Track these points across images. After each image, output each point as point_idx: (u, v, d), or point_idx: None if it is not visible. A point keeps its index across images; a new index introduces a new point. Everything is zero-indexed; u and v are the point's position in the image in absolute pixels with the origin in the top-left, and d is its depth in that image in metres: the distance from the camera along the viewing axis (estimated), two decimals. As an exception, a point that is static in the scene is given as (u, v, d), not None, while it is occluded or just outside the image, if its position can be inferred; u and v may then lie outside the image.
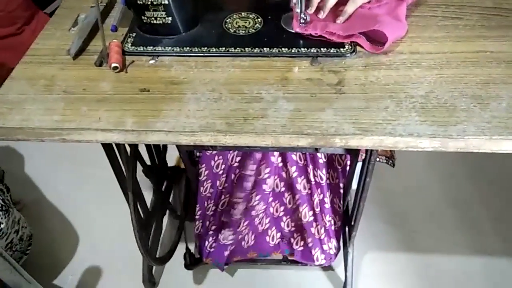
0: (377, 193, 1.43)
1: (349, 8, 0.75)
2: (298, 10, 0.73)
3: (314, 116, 0.61)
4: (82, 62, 0.73)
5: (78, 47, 0.74)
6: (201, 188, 1.19)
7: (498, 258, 1.27)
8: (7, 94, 0.68)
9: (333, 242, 1.12)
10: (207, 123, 0.61)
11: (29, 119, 0.63)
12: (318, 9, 0.75)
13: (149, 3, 0.72)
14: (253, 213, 1.16)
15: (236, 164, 1.11)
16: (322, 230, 1.09)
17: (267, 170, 1.11)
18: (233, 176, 1.16)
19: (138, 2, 0.73)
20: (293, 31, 0.74)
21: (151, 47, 0.74)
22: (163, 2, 0.72)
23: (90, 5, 0.84)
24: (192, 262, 1.20)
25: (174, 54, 0.73)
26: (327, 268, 1.26)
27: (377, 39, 0.70)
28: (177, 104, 0.64)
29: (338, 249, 1.14)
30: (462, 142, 0.57)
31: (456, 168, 1.52)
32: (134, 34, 0.77)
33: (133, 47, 0.75)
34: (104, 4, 0.83)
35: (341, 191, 1.12)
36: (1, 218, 1.08)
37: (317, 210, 1.08)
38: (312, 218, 1.10)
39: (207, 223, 1.19)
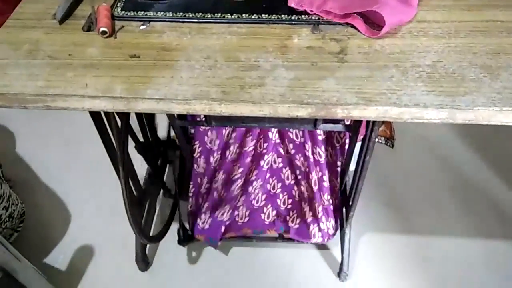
0: (376, 175, 1.41)
1: None
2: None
3: (315, 85, 0.58)
4: (69, 27, 0.69)
5: (65, 11, 0.69)
6: (195, 165, 1.16)
7: (497, 241, 1.26)
8: (-12, 58, 0.63)
9: (331, 221, 1.10)
10: (201, 91, 0.58)
11: (11, 85, 0.59)
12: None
13: (140, -36, 0.68)
14: (250, 189, 1.13)
15: (231, 140, 1.08)
16: (320, 208, 1.07)
17: (265, 145, 1.09)
18: (228, 152, 1.13)
19: (129, -37, 0.68)
20: (290, 5, 0.69)
21: (142, 12, 0.70)
22: (155, -37, 0.68)
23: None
24: (186, 238, 1.18)
25: (167, 19, 0.69)
26: (324, 247, 1.24)
27: (376, 22, 0.65)
28: (169, 71, 0.61)
29: (335, 229, 1.12)
30: (471, 114, 0.54)
31: (455, 150, 1.49)
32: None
33: (123, 11, 0.70)
34: (93, -33, 0.78)
35: (339, 169, 1.09)
36: (-12, 193, 1.05)
37: (315, 188, 1.06)
38: (310, 195, 1.07)
39: (201, 200, 1.16)
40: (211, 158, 1.15)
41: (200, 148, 1.12)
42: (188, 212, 1.17)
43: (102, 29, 0.65)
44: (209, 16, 0.69)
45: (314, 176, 1.05)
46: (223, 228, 1.10)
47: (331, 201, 1.09)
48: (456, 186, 1.39)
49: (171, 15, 0.69)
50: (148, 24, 0.69)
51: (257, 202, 1.15)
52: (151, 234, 1.25)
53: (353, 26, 0.65)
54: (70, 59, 0.63)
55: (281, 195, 1.13)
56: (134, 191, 1.08)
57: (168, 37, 0.66)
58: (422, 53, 0.61)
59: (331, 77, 0.59)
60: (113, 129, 0.89)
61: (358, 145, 1.00)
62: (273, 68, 0.60)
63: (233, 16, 0.69)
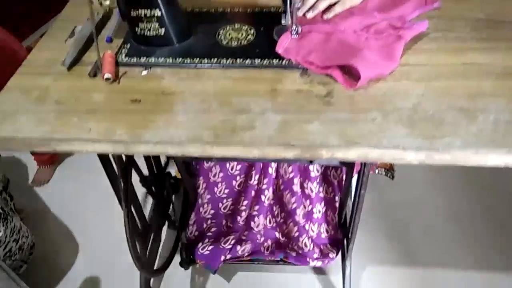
0: (377, 205, 1.42)
1: (337, 8, 0.79)
2: (290, 22, 0.73)
3: (301, 128, 0.62)
4: (76, 73, 0.74)
5: (73, 58, 0.75)
6: (199, 200, 1.19)
7: (500, 273, 1.25)
8: (1, 104, 0.69)
9: (326, 247, 1.12)
10: (195, 134, 0.62)
11: (21, 129, 0.64)
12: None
13: (143, 15, 0.73)
14: (252, 224, 1.16)
15: (237, 172, 1.12)
16: (310, 241, 1.09)
17: (265, 180, 1.12)
18: (234, 182, 1.16)
19: (132, 14, 0.74)
20: (278, 51, 0.72)
21: (144, 58, 0.75)
22: (156, 14, 0.73)
23: (87, 17, 0.85)
24: (188, 260, 1.20)
25: (167, 65, 0.74)
26: (324, 274, 1.25)
27: (356, 74, 0.66)
28: (166, 115, 0.65)
29: (335, 252, 1.13)
30: (448, 156, 0.57)
31: (456, 180, 1.50)
32: (128, 45, 0.78)
33: (127, 58, 0.76)
34: (101, 16, 0.85)
35: (337, 204, 1.11)
36: (0, 227, 1.09)
37: (302, 221, 1.08)
38: (298, 232, 1.10)
39: (205, 225, 1.19)
40: (215, 189, 1.19)
41: (204, 184, 1.16)
42: (187, 238, 1.19)
43: (106, 75, 0.70)
44: (206, 61, 0.74)
45: (301, 211, 1.07)
46: (222, 258, 1.12)
47: (324, 233, 1.11)
48: (458, 216, 1.39)
49: (170, 61, 0.75)
50: (149, 70, 0.74)
51: (258, 239, 1.17)
52: (156, 265, 1.28)
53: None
54: (76, 104, 0.68)
55: (278, 229, 1.16)
56: (138, 223, 1.12)
57: (167, 82, 0.71)
58: (403, 95, 0.65)
59: (317, 120, 0.62)
60: (116, 163, 0.93)
61: (355, 179, 1.02)
62: (262, 112, 0.64)
63: (228, 61, 0.74)
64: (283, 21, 0.74)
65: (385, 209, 1.43)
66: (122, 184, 0.93)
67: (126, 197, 0.96)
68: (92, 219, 1.48)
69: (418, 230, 1.36)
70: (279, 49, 0.72)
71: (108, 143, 0.62)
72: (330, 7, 0.80)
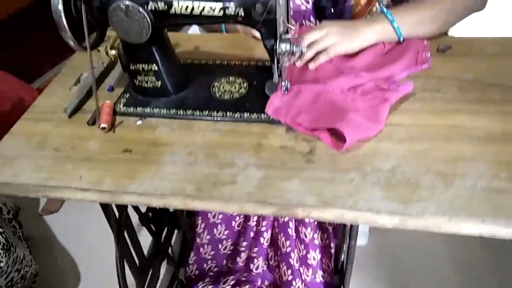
0: (379, 248, 1.40)
1: (322, 58, 0.80)
2: (279, 78, 0.76)
3: (281, 185, 0.63)
4: (76, 120, 0.79)
5: (74, 106, 0.80)
6: (197, 239, 1.21)
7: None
8: (4, 149, 0.74)
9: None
10: (178, 187, 0.64)
11: (18, 175, 0.69)
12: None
13: (141, 69, 0.78)
14: (252, 266, 1.16)
15: (235, 213, 1.14)
16: (303, 285, 1.08)
17: (264, 223, 1.13)
18: (233, 223, 1.17)
19: (131, 67, 0.79)
20: (267, 112, 0.74)
21: (141, 108, 0.79)
22: (153, 69, 0.78)
23: (94, 64, 0.91)
24: None
25: (161, 115, 0.78)
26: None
27: (342, 136, 0.67)
28: (154, 166, 0.68)
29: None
30: (422, 221, 0.57)
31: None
32: (127, 95, 0.83)
33: (124, 107, 0.80)
34: (105, 65, 0.90)
35: (332, 251, 1.11)
36: (1, 257, 1.13)
37: (297, 265, 1.08)
38: (291, 276, 1.09)
39: (205, 265, 1.20)
40: (215, 230, 1.20)
41: (203, 224, 1.18)
42: (187, 277, 1.20)
43: (102, 125, 0.74)
44: (198, 113, 0.77)
45: (295, 255, 1.07)
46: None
47: (320, 278, 1.10)
48: (465, 269, 1.36)
49: (165, 111, 0.78)
50: (144, 120, 0.78)
51: (257, 281, 1.17)
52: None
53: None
54: (72, 152, 0.72)
55: (274, 272, 1.16)
56: (136, 259, 1.14)
57: (159, 133, 0.75)
58: (384, 156, 0.66)
59: (297, 177, 0.64)
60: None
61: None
62: (245, 166, 0.67)
63: (218, 114, 0.77)
64: (274, 81, 0.77)
65: (386, 253, 1.40)
66: (116, 226, 0.96)
67: (119, 234, 0.98)
68: (97, 250, 1.51)
69: (419, 280, 1.33)
70: (269, 110, 0.74)
71: (96, 193, 0.65)
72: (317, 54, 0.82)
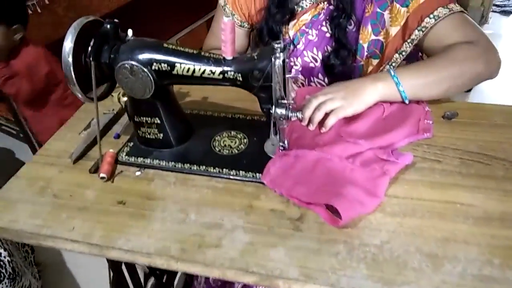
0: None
1: (331, 121, 0.78)
2: (276, 138, 0.77)
3: (265, 252, 0.63)
4: (79, 167, 0.82)
5: (80, 153, 0.83)
6: (195, 282, 1.20)
7: None
8: (8, 191, 0.77)
9: None
10: (164, 246, 0.65)
11: (16, 220, 0.71)
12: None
13: (144, 121, 0.81)
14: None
15: (220, 283, 1.13)
16: None
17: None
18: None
19: (135, 119, 0.82)
20: (263, 181, 0.73)
21: (141, 159, 0.82)
22: (156, 122, 0.80)
23: (107, 109, 0.94)
24: None
25: (159, 167, 0.80)
26: None
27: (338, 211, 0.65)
28: (144, 221, 0.69)
29: None
30: (403, 307, 0.55)
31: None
32: (131, 144, 0.86)
33: (126, 156, 0.83)
34: (115, 112, 0.94)
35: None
36: (6, 287, 1.16)
37: None
38: None
39: None
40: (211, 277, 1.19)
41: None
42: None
43: (101, 175, 0.77)
44: (195, 168, 0.79)
45: None
46: None
47: None
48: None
49: (164, 164, 0.80)
50: (143, 171, 0.80)
51: None
52: None
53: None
54: (70, 199, 0.75)
55: None
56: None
57: (155, 186, 0.76)
58: (373, 230, 0.64)
59: (282, 246, 0.64)
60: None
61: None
62: (233, 229, 0.67)
63: (215, 170, 0.78)
64: (271, 142, 0.78)
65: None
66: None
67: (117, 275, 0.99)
68: (102, 279, 1.53)
69: None
70: (265, 179, 0.73)
71: (85, 245, 0.67)
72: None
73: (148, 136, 0.83)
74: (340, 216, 0.64)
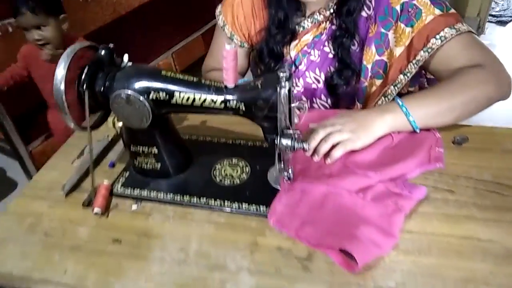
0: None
1: (337, 153, 0.75)
2: (281, 169, 0.73)
3: (272, 297, 0.59)
4: (72, 200, 0.77)
5: (72, 185, 0.79)
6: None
7: None
8: (-4, 230, 0.72)
9: None
10: (163, 291, 0.61)
11: (5, 262, 0.66)
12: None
13: (141, 151, 0.76)
14: None
15: None
16: None
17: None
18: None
19: (131, 148, 0.77)
20: (271, 222, 0.67)
21: (138, 190, 0.77)
22: (153, 151, 0.76)
23: (98, 138, 0.90)
24: None
25: (157, 200, 0.75)
26: None
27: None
28: (142, 262, 0.65)
29: None
30: None
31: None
32: (127, 173, 0.81)
33: (122, 188, 0.78)
34: (110, 138, 0.90)
35: None
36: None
37: None
38: None
39: None
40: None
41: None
42: None
43: (95, 210, 0.72)
44: (195, 200, 0.74)
45: None
46: None
47: None
48: None
49: (162, 196, 0.76)
50: (140, 204, 0.75)
51: None
52: None
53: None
54: (62, 238, 0.70)
55: None
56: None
57: (153, 221, 0.72)
58: (387, 271, 0.60)
59: (290, 289, 0.59)
60: None
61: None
62: (237, 271, 0.62)
63: (216, 203, 0.73)
64: (275, 172, 0.74)
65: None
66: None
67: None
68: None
69: None
70: (271, 219, 0.68)
71: (78, 291, 0.62)
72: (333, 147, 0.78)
73: (145, 166, 0.78)
74: (353, 258, 0.59)
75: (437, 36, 0.83)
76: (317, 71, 0.98)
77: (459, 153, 0.79)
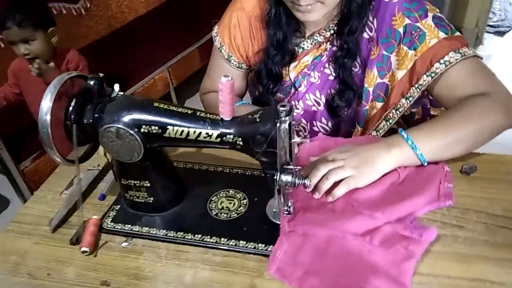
0: None
1: (340, 191, 0.71)
2: (281, 203, 0.69)
3: None
4: (58, 236, 0.73)
5: (60, 219, 0.74)
6: None
7: None
8: (-23, 270, 0.68)
9: None
10: None
11: (-16, 308, 0.62)
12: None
13: (132, 184, 0.72)
14: None
15: None
16: None
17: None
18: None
19: (122, 182, 0.73)
20: (271, 271, 0.63)
21: (129, 226, 0.73)
22: (145, 185, 0.72)
23: (88, 167, 0.86)
24: None
25: (149, 237, 0.71)
26: None
27: None
28: (132, 307, 0.61)
29: None
30: None
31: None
32: (118, 207, 0.77)
33: (112, 223, 0.74)
34: (101, 168, 0.86)
35: None
36: None
37: None
38: None
39: None
40: None
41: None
42: None
43: (83, 249, 0.68)
44: (190, 237, 0.70)
45: None
46: None
47: None
48: None
49: (154, 232, 0.72)
50: (130, 241, 0.71)
51: None
52: None
53: None
54: (47, 279, 0.66)
55: None
56: None
57: (144, 260, 0.68)
58: (395, 319, 0.56)
59: None
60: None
61: None
62: (234, 319, 0.58)
63: (211, 240, 0.69)
64: (274, 207, 0.70)
65: None
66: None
67: None
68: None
69: None
70: (271, 268, 0.63)
71: None
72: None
73: (137, 200, 0.74)
74: None
75: (441, 61, 0.80)
76: (318, 93, 0.95)
77: (467, 183, 0.75)
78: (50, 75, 1.48)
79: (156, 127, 0.64)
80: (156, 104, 0.66)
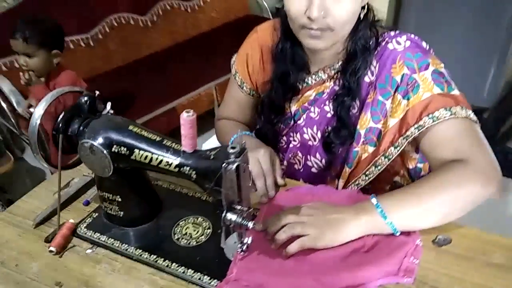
0: None
1: (293, 247, 0.70)
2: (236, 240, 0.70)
3: None
4: (39, 232, 0.80)
5: (43, 218, 0.82)
6: None
7: None
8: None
9: None
10: None
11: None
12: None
13: (106, 197, 0.78)
14: None
15: None
16: None
17: None
18: None
19: (100, 193, 0.79)
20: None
21: (98, 235, 0.78)
22: (117, 199, 0.77)
23: (84, 173, 0.94)
24: None
25: (110, 249, 0.76)
26: None
27: None
28: (72, 312, 0.65)
29: None
30: None
31: None
32: (96, 215, 0.83)
33: (85, 229, 0.80)
34: (92, 176, 0.93)
35: None
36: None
37: None
38: None
39: None
40: None
41: None
42: None
43: (50, 248, 0.74)
44: (145, 256, 0.74)
45: None
46: None
47: None
48: None
49: (117, 245, 0.76)
50: (95, 249, 0.76)
51: None
52: None
53: None
54: (14, 269, 0.73)
55: None
56: None
57: (99, 269, 0.72)
58: None
59: None
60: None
61: None
62: None
63: (164, 263, 0.72)
64: (228, 247, 0.72)
65: None
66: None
67: None
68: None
69: None
70: None
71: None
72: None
73: (110, 211, 0.80)
74: None
75: (430, 115, 0.78)
76: (315, 128, 0.96)
77: (435, 255, 0.71)
78: (35, 89, 1.60)
79: (125, 149, 0.69)
80: (131, 128, 0.71)
